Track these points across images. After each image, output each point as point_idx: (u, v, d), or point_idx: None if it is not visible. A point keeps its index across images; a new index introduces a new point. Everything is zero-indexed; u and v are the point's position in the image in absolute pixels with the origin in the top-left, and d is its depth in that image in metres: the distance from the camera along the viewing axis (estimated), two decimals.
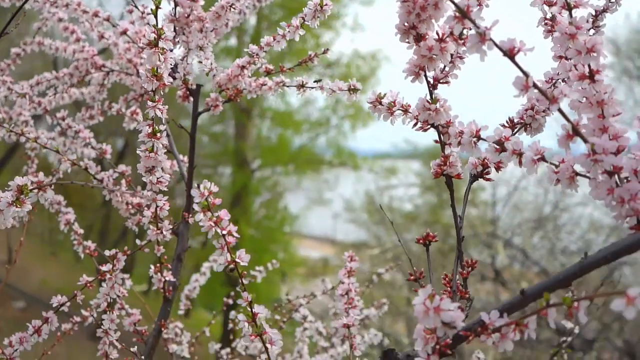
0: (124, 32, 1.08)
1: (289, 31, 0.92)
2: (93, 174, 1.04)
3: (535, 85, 0.53)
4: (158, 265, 1.00)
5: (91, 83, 1.29)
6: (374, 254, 7.67)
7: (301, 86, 0.97)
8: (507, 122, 0.72)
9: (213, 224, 0.64)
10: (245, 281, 0.70)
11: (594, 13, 0.77)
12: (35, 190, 0.68)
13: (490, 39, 0.52)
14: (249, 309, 0.67)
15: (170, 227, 0.94)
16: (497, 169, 0.70)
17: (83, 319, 1.16)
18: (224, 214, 0.65)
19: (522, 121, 0.72)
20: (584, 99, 0.57)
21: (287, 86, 1.00)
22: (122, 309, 1.07)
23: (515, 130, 0.72)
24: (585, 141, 0.53)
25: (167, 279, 1.01)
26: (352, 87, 0.88)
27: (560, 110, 0.53)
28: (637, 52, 9.14)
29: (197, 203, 0.63)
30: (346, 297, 0.99)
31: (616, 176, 0.55)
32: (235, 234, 0.65)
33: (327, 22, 11.53)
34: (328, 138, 12.03)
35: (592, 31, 0.76)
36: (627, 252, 0.51)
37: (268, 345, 0.67)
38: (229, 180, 12.12)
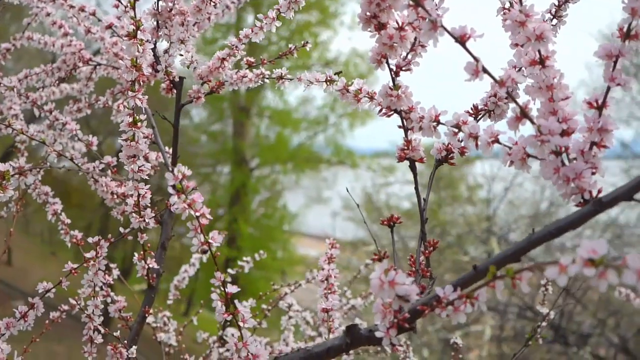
0: (109, 27, 1.10)
1: (265, 23, 0.95)
2: (78, 164, 1.07)
3: (484, 70, 0.55)
4: (142, 253, 1.03)
5: (79, 77, 1.32)
6: (370, 250, 7.71)
7: (280, 78, 1.00)
8: (471, 108, 0.75)
9: (187, 206, 0.67)
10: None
11: (557, 3, 0.79)
12: (17, 176, 0.71)
13: (442, 26, 0.55)
14: (222, 289, 0.70)
15: (153, 214, 0.97)
16: (462, 153, 0.73)
17: (71, 307, 1.19)
18: (198, 197, 0.68)
19: (485, 108, 0.74)
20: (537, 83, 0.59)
21: (267, 78, 1.03)
22: (108, 296, 1.10)
23: (480, 116, 0.75)
24: (533, 123, 0.56)
25: (150, 266, 1.03)
26: (328, 78, 0.91)
27: (508, 94, 0.56)
28: (633, 50, 9.15)
29: (171, 186, 0.66)
30: (326, 283, 1.02)
31: (565, 156, 0.58)
32: (208, 216, 0.68)
33: (325, 20, 11.57)
34: (326, 136, 12.06)
35: (554, 21, 0.79)
36: (571, 227, 0.54)
37: (240, 323, 0.70)
38: (228, 179, 12.16)
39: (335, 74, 0.91)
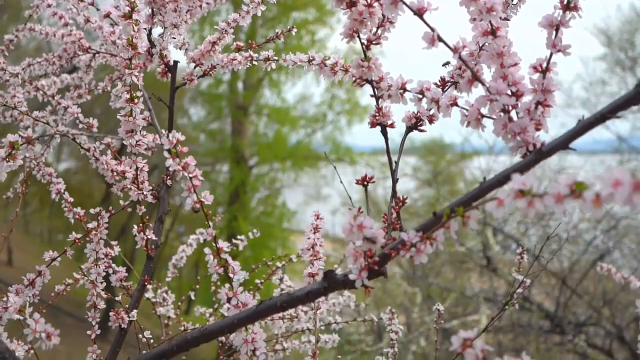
0: (107, 15, 1.17)
1: (251, 7, 1.02)
2: (80, 144, 1.14)
3: (440, 39, 0.63)
4: (141, 225, 1.10)
5: (79, 65, 1.39)
6: None
7: (267, 59, 1.07)
8: (439, 80, 0.82)
9: (181, 168, 0.74)
10: (210, 224, 0.80)
11: None
12: (25, 145, 0.78)
13: (401, 1, 0.62)
14: (214, 244, 0.77)
15: (150, 187, 1.04)
16: (430, 121, 0.80)
17: (75, 281, 1.26)
18: (191, 160, 0.75)
19: (452, 79, 0.81)
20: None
21: (256, 60, 1.10)
22: (110, 267, 1.17)
23: (447, 87, 0.82)
24: (483, 84, 0.63)
25: (149, 237, 1.11)
26: (311, 58, 0.98)
27: (460, 58, 0.63)
28: (629, 43, 9.23)
29: (166, 150, 0.73)
30: (312, 250, 1.09)
31: (513, 115, 0.65)
32: (201, 178, 0.75)
33: (321, 18, 11.64)
34: (325, 134, 12.14)
35: (515, 0, 0.86)
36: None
37: (231, 275, 0.77)
38: (227, 177, 12.22)
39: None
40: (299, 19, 11.57)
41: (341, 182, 1.40)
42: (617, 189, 0.40)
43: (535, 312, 6.17)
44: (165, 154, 0.75)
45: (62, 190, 1.25)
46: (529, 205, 0.49)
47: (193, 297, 1.49)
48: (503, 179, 0.61)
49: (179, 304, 1.50)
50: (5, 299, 0.76)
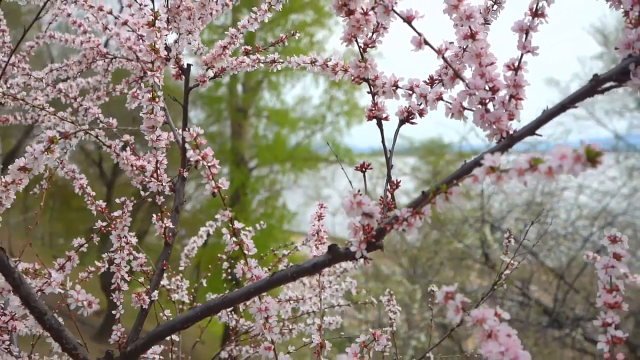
0: (125, 23, 1.28)
1: (259, 14, 1.13)
2: (103, 141, 1.24)
3: (426, 42, 0.73)
4: (159, 214, 1.20)
5: (96, 70, 1.50)
6: None
7: (273, 61, 1.18)
8: (428, 78, 0.92)
9: (201, 158, 0.85)
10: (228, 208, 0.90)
11: None
12: (63, 139, 0.89)
13: (393, 10, 0.72)
14: (230, 225, 0.88)
15: (169, 179, 1.14)
16: (420, 115, 0.91)
17: (97, 269, 1.37)
18: (209, 151, 0.86)
19: (439, 78, 0.92)
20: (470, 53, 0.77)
21: (262, 62, 1.20)
22: (130, 254, 1.28)
23: (435, 84, 0.92)
24: (463, 81, 0.74)
25: (167, 225, 1.21)
26: (313, 59, 1.08)
27: (444, 59, 0.74)
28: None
29: (187, 142, 0.84)
30: (316, 236, 1.20)
31: (491, 106, 0.75)
32: (218, 166, 0.86)
33: (320, 20, 11.75)
34: (324, 135, 12.24)
35: (495, 6, 0.96)
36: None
37: (245, 251, 0.87)
38: (227, 179, 12.31)
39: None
40: (297, 21, 11.68)
41: (349, 181, 1.50)
42: (563, 161, 0.51)
43: (534, 308, 6.27)
44: (187, 145, 0.85)
45: (85, 185, 1.36)
46: (498, 179, 0.59)
47: (205, 284, 1.60)
48: (479, 160, 0.72)
49: (192, 290, 1.60)
50: (47, 274, 0.86)
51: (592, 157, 0.49)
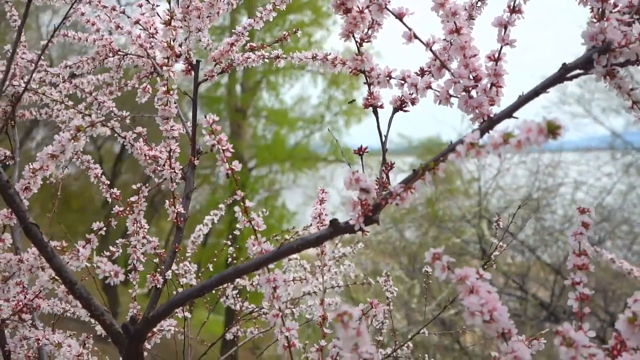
0: (137, 22, 1.37)
1: (265, 14, 1.22)
2: (118, 132, 1.33)
3: (415, 36, 0.82)
4: (172, 200, 1.29)
5: (108, 66, 1.59)
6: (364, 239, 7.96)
7: (277, 57, 1.27)
8: (419, 69, 1.01)
9: (216, 142, 0.94)
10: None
11: None
12: (90, 127, 0.98)
13: (386, 7, 0.82)
14: (242, 204, 0.97)
15: (181, 167, 1.23)
16: (412, 103, 1.00)
17: (111, 254, 1.46)
18: (224, 137, 0.95)
19: (428, 69, 1.01)
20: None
21: (267, 59, 1.30)
22: (145, 238, 1.36)
23: (424, 75, 1.01)
24: (449, 71, 0.83)
25: (179, 211, 1.30)
26: (314, 55, 1.18)
27: (432, 51, 0.83)
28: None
29: (204, 128, 0.93)
30: (319, 219, 1.29)
31: (474, 93, 0.84)
32: (231, 150, 0.95)
33: (318, 20, 11.85)
34: (323, 135, 12.35)
35: (479, 3, 1.06)
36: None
37: (255, 228, 0.96)
38: (227, 180, 12.39)
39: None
40: (295, 21, 11.76)
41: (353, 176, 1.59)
42: (529, 134, 0.60)
43: (531, 302, 6.37)
44: (203, 131, 0.94)
45: (100, 175, 1.44)
46: (477, 154, 0.68)
47: (211, 269, 1.69)
48: (453, 147, 0.81)
49: (200, 274, 1.70)
50: (75, 250, 0.95)
51: (552, 130, 0.58)
